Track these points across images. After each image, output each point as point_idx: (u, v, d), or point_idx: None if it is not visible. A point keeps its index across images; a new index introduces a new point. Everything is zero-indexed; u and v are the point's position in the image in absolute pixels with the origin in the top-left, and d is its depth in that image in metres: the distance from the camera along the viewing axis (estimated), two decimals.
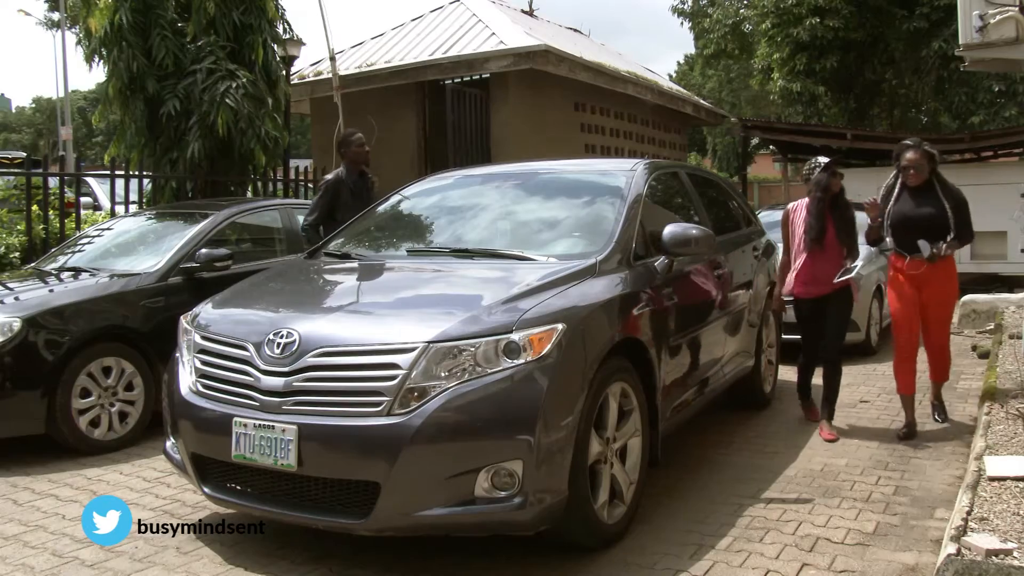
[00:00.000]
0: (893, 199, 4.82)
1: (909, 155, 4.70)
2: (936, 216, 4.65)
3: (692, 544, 3.32)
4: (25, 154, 10.69)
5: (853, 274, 4.85)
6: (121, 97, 8.17)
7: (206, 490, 3.28)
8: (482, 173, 4.96)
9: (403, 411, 2.85)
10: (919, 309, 4.79)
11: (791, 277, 5.05)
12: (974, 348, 7.31)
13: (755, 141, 18.96)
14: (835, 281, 4.84)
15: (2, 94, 76.16)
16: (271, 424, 2.98)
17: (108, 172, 8.31)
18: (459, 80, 11.67)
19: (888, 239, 4.81)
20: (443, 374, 2.89)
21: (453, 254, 3.95)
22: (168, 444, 3.55)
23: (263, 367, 3.10)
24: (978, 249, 11.06)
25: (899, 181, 4.80)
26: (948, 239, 4.62)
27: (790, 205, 5.19)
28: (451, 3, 13.45)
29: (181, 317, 3.73)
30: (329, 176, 5.99)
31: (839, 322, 5.02)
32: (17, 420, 4.57)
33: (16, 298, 4.86)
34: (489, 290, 3.33)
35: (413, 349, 2.92)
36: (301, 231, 5.90)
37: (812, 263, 4.91)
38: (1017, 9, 5.06)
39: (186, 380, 3.39)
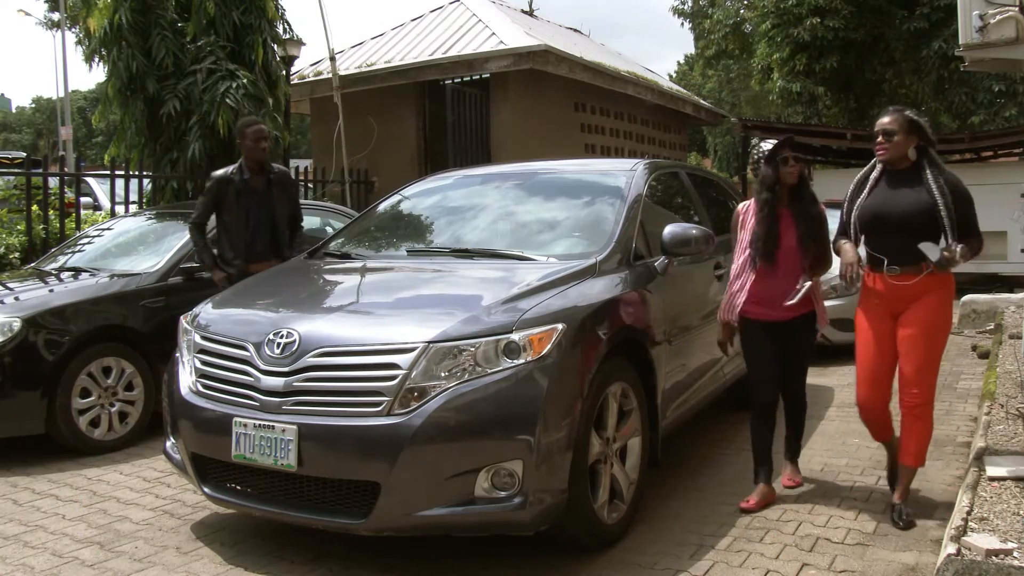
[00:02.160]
0: (866, 192, 3.58)
1: (881, 120, 3.52)
2: (922, 210, 3.38)
3: (692, 544, 3.32)
4: (25, 154, 10.69)
5: (801, 293, 3.69)
6: (121, 97, 8.18)
7: (206, 490, 3.28)
8: (482, 173, 4.96)
9: (403, 411, 2.85)
10: (891, 342, 3.54)
11: (737, 294, 3.86)
12: (974, 348, 7.30)
13: (755, 141, 18.95)
14: (786, 303, 3.73)
15: (2, 94, 76.25)
16: (271, 424, 2.98)
17: (108, 172, 8.31)
18: (459, 80, 11.67)
19: (862, 249, 3.61)
20: (443, 374, 2.89)
21: (453, 254, 3.95)
22: (168, 444, 3.55)
23: (263, 367, 3.10)
24: None
25: (877, 170, 3.60)
26: (952, 244, 3.33)
27: (741, 206, 4.03)
28: (451, 3, 13.45)
29: (181, 317, 3.73)
30: (217, 172, 5.13)
31: (806, 352, 3.99)
32: (17, 420, 4.57)
33: (16, 298, 4.86)
34: (489, 290, 3.33)
35: (413, 349, 2.92)
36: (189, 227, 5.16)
37: (764, 280, 3.77)
38: (1017, 9, 5.05)
39: (186, 380, 3.39)
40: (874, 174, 3.60)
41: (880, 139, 3.51)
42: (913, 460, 3.56)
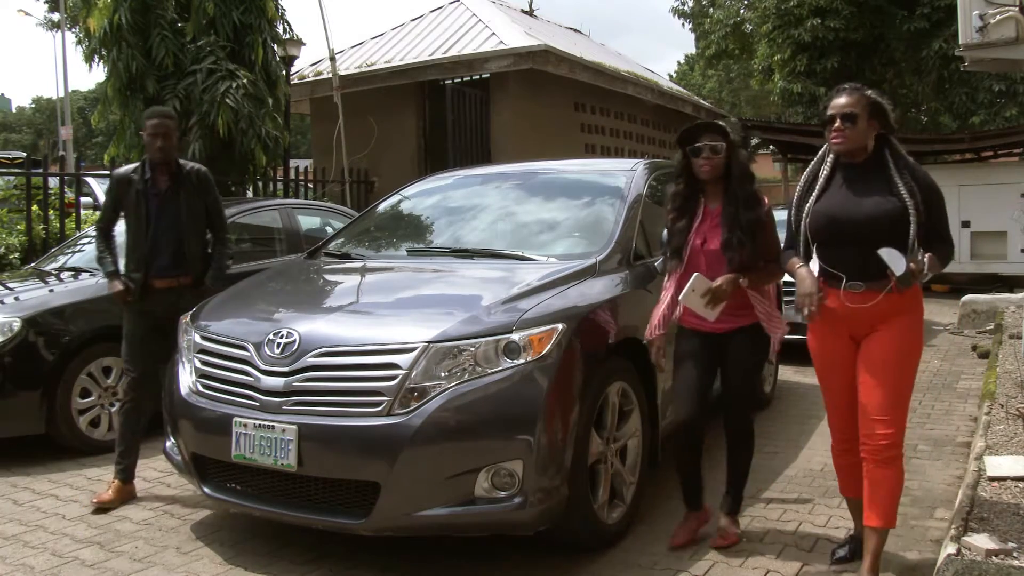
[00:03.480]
0: (816, 193, 2.90)
1: (837, 100, 2.84)
2: (889, 215, 2.73)
3: (692, 544, 3.31)
4: (25, 154, 10.70)
5: (686, 292, 3.05)
6: (121, 97, 8.17)
7: (206, 490, 3.28)
8: (482, 173, 4.96)
9: (403, 411, 2.85)
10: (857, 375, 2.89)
11: (656, 309, 3.28)
12: (974, 348, 7.31)
13: (755, 141, 18.95)
14: (680, 299, 3.10)
15: (2, 94, 76.23)
16: (271, 424, 2.98)
17: (108, 172, 8.31)
18: (459, 80, 11.67)
19: (814, 263, 2.92)
20: (443, 374, 2.89)
21: (453, 254, 3.95)
22: (168, 444, 3.55)
23: (263, 367, 3.09)
24: (978, 249, 11.07)
25: (828, 164, 2.91)
26: (920, 254, 2.68)
27: None
28: (451, 3, 13.45)
29: (181, 317, 3.73)
30: (117, 171, 4.31)
31: (745, 373, 3.25)
32: (17, 420, 4.57)
33: (16, 298, 4.86)
34: (489, 290, 3.33)
35: (413, 349, 2.92)
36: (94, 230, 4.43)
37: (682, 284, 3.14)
38: (1017, 9, 5.06)
39: (186, 380, 3.39)
40: (825, 169, 2.90)
41: (836, 124, 2.80)
42: (881, 519, 2.81)
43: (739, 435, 3.32)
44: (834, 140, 2.84)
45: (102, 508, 3.81)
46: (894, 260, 2.63)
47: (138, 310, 4.06)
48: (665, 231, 3.30)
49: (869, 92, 2.86)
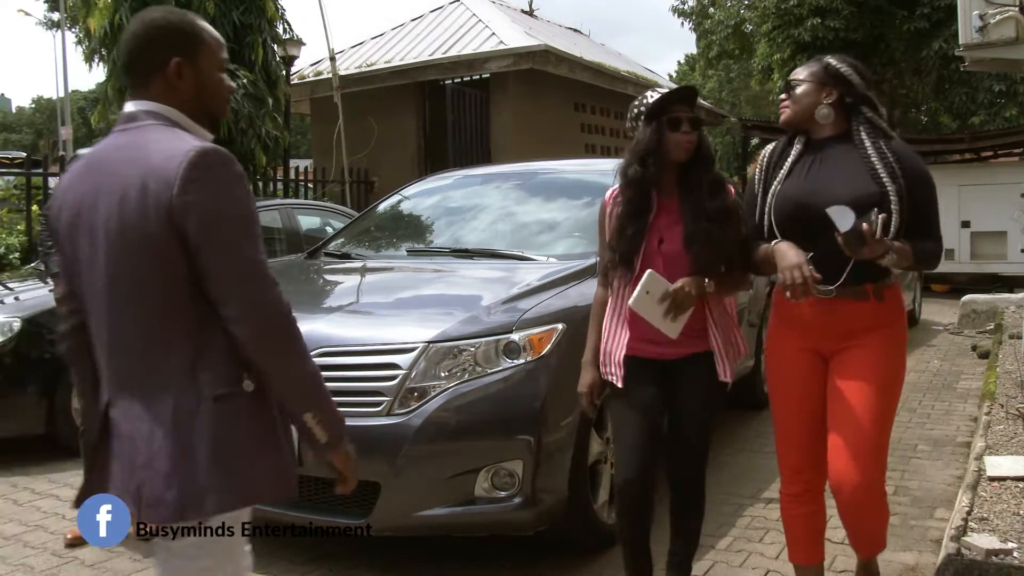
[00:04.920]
0: (783, 173, 2.45)
1: (794, 72, 2.51)
2: (860, 200, 2.23)
3: None
4: (25, 154, 10.70)
5: (637, 294, 2.35)
6: (121, 97, 8.17)
7: None
8: (482, 173, 4.96)
9: (403, 411, 2.85)
10: (824, 397, 2.41)
11: (612, 336, 2.54)
12: (974, 348, 7.31)
13: (755, 141, 18.96)
14: (630, 303, 2.38)
15: (2, 94, 76.28)
16: None
17: None
18: (459, 80, 11.68)
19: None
20: (443, 374, 2.89)
21: (453, 254, 3.95)
22: None
23: None
24: (978, 249, 11.07)
25: (798, 144, 2.47)
26: (875, 213, 2.14)
27: (607, 194, 2.63)
28: (451, 3, 13.46)
29: None
30: (83, 151, 3.27)
31: (702, 422, 2.53)
32: (17, 420, 4.57)
33: (16, 298, 4.86)
34: (489, 290, 3.33)
35: (413, 349, 2.92)
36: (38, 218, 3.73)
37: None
38: (1017, 9, 5.05)
39: None
40: (794, 149, 2.47)
41: (783, 95, 2.50)
42: (871, 550, 2.50)
43: (691, 497, 2.58)
44: (782, 116, 2.49)
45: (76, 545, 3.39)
46: (841, 217, 2.15)
47: None
48: (607, 234, 2.55)
49: (828, 59, 2.46)
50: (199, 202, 1.46)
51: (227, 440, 1.50)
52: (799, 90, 2.43)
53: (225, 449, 1.49)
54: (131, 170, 1.50)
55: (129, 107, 1.61)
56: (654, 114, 2.44)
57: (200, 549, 1.52)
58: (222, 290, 1.51)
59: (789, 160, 2.46)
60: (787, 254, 2.30)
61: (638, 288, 2.35)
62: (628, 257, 2.44)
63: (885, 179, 2.30)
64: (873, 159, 2.33)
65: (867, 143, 2.36)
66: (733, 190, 2.54)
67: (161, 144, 1.51)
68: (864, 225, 2.12)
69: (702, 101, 17.79)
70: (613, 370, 2.49)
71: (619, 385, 2.47)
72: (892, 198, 2.28)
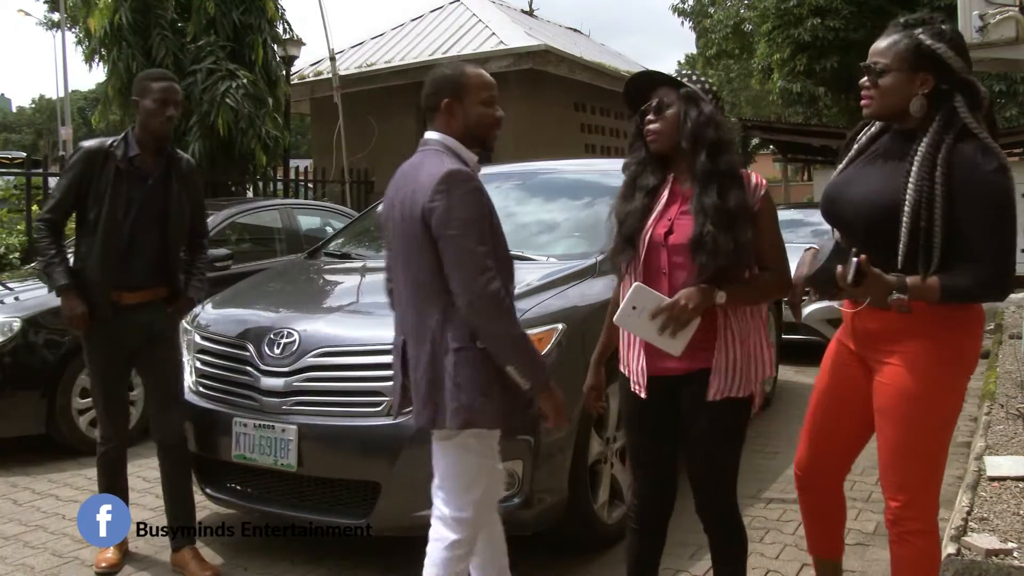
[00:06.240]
0: (844, 161, 2.22)
1: (876, 45, 2.08)
2: (882, 206, 2.00)
3: (692, 544, 3.31)
4: (25, 154, 10.71)
5: (630, 294, 2.09)
6: (121, 97, 8.19)
7: (206, 490, 3.28)
8: (482, 173, 4.94)
9: (403, 411, 2.85)
10: (863, 413, 2.25)
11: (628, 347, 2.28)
12: None
13: (755, 141, 18.97)
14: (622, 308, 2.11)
15: (2, 94, 76.33)
16: (271, 424, 2.98)
17: None
18: None
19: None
20: None
21: None
22: None
23: (263, 367, 3.09)
24: None
25: (875, 128, 2.20)
26: (855, 252, 1.89)
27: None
28: (451, 3, 13.46)
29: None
30: (88, 143, 3.18)
31: (715, 447, 2.28)
32: (17, 420, 4.56)
33: (16, 298, 4.86)
34: None
35: None
36: (35, 226, 3.42)
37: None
38: (1017, 9, 5.05)
39: (186, 380, 3.39)
40: (869, 133, 2.20)
41: (864, 81, 2.08)
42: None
43: (726, 529, 2.33)
44: (862, 103, 2.11)
45: (109, 572, 3.21)
46: (821, 257, 1.94)
47: (105, 336, 3.13)
48: (612, 216, 2.28)
49: (919, 32, 2.00)
50: (438, 207, 2.07)
51: (463, 379, 2.10)
52: (885, 81, 2.02)
53: (462, 385, 2.10)
54: (412, 183, 2.17)
55: (426, 135, 2.28)
56: (628, 96, 2.24)
57: (451, 446, 2.23)
58: (449, 271, 2.09)
59: (852, 151, 2.21)
60: (799, 267, 2.15)
61: (623, 303, 2.10)
62: (630, 240, 2.18)
63: (910, 189, 1.94)
64: (915, 162, 1.96)
65: (925, 141, 1.98)
66: (755, 179, 2.18)
67: (429, 166, 2.15)
68: (839, 268, 1.86)
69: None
70: (637, 378, 2.23)
71: (643, 396, 2.22)
72: (906, 211, 1.93)
